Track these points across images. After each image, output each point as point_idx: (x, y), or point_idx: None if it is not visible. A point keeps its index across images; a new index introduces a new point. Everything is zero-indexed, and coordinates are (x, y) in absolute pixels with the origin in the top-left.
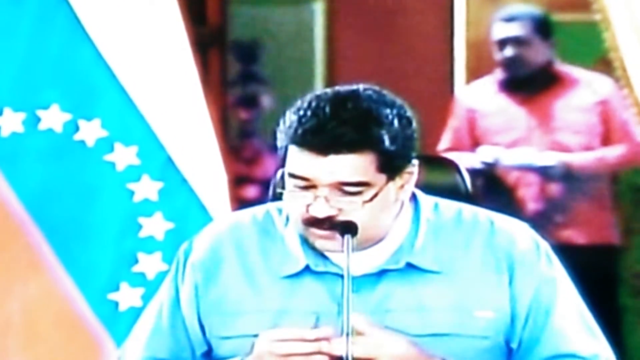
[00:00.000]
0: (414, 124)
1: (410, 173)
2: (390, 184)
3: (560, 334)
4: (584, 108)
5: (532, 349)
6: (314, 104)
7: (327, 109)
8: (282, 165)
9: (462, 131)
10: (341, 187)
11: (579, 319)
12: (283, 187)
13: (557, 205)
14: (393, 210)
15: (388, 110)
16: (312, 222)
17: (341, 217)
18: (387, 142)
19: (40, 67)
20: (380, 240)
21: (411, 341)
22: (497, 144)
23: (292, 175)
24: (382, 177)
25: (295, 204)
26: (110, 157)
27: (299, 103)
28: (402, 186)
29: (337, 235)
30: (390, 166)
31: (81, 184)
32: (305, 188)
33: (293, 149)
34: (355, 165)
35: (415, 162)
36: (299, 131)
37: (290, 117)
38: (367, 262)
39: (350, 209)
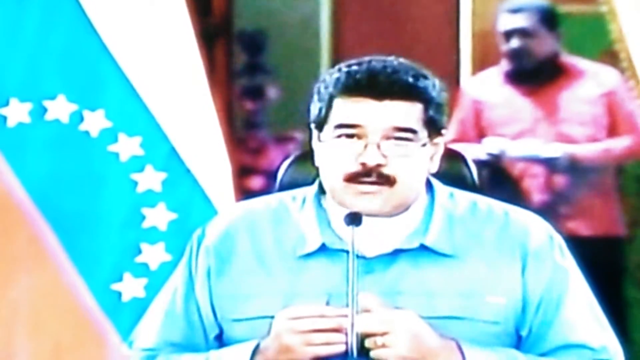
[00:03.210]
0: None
1: (438, 144)
2: (428, 146)
3: (570, 325)
4: (589, 100)
5: (542, 338)
6: (356, 62)
7: (375, 63)
8: (322, 123)
9: (467, 122)
10: (393, 133)
11: (589, 311)
12: (312, 161)
13: (562, 197)
14: (423, 179)
15: (427, 72)
16: (357, 176)
17: (387, 169)
18: (434, 93)
19: (46, 58)
20: (406, 209)
21: (421, 319)
22: (503, 135)
23: (342, 126)
24: (425, 133)
25: (340, 157)
26: (114, 147)
27: (335, 67)
28: (432, 157)
29: (382, 190)
30: (434, 121)
31: (85, 174)
32: (356, 137)
33: (342, 101)
34: (408, 112)
35: (444, 132)
36: (350, 80)
37: (333, 76)
38: (381, 243)
39: (400, 154)
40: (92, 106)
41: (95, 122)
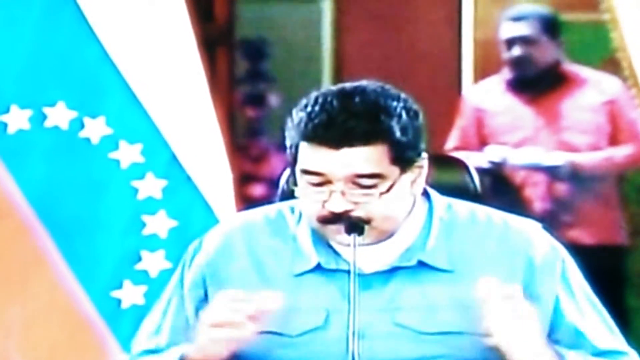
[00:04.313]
0: (421, 117)
1: (421, 167)
2: (404, 176)
3: (580, 333)
4: (591, 108)
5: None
6: (320, 99)
7: (335, 103)
8: (293, 164)
9: (469, 130)
10: (356, 180)
11: (597, 318)
12: (295, 185)
13: (564, 205)
14: (407, 205)
15: (395, 103)
16: (329, 219)
17: (358, 212)
18: (398, 133)
19: (46, 65)
20: (392, 235)
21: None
22: (505, 143)
23: (305, 172)
24: (396, 170)
25: (310, 200)
26: (114, 154)
27: (304, 101)
28: (414, 181)
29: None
30: (403, 158)
31: (86, 181)
32: (320, 184)
33: (304, 146)
34: (369, 157)
35: (424, 155)
36: (309, 127)
37: (298, 115)
38: (379, 259)
39: (366, 201)
40: (93, 113)
41: (96, 129)
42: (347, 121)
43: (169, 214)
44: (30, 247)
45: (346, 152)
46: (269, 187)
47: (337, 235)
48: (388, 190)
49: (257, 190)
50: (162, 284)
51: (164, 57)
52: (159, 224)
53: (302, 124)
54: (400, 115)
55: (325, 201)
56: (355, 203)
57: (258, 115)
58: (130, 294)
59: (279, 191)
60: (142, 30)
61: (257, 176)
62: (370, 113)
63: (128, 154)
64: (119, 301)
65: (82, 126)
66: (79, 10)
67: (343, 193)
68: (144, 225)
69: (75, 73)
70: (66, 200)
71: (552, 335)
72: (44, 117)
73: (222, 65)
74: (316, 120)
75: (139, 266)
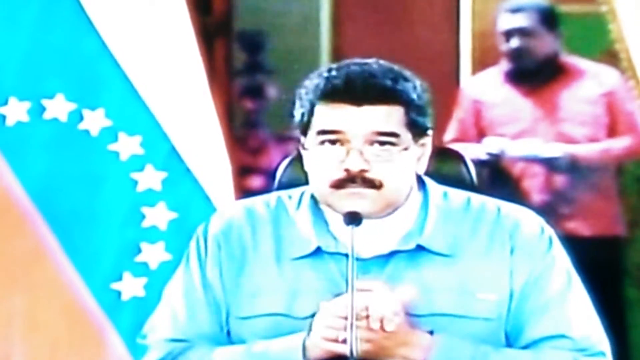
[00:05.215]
0: (428, 94)
1: (425, 145)
2: (414, 147)
3: (551, 316)
4: (589, 99)
5: (522, 330)
6: (336, 66)
7: (354, 67)
8: (304, 131)
9: (467, 122)
10: (375, 138)
11: (572, 303)
12: (301, 163)
13: (562, 197)
14: (411, 181)
15: (407, 73)
16: (343, 182)
17: (372, 174)
18: (414, 96)
19: (45, 57)
20: (395, 209)
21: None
22: (503, 135)
23: (323, 132)
24: (409, 136)
25: (324, 163)
26: (114, 146)
27: (317, 71)
28: (419, 158)
29: (368, 193)
30: (416, 123)
31: (85, 173)
32: (337, 142)
33: (323, 107)
34: (388, 115)
35: (430, 133)
36: (329, 87)
37: (313, 82)
38: (377, 245)
39: (383, 159)
40: (92, 105)
41: (95, 121)
42: (368, 79)
43: (168, 206)
44: (30, 239)
45: (367, 109)
46: (268, 178)
47: (347, 200)
48: (405, 149)
49: (256, 181)
50: (162, 276)
51: (162, 48)
52: (159, 215)
53: (321, 86)
54: (414, 83)
55: (342, 160)
56: (371, 162)
57: (256, 107)
58: (130, 286)
59: (276, 182)
60: (140, 22)
61: (256, 168)
62: (389, 75)
63: (127, 145)
64: (119, 293)
65: (81, 118)
66: (78, 3)
67: (361, 152)
68: (143, 217)
69: (74, 65)
70: (66, 193)
71: (520, 316)
72: (43, 109)
73: (220, 57)
74: (336, 81)
75: (139, 258)
